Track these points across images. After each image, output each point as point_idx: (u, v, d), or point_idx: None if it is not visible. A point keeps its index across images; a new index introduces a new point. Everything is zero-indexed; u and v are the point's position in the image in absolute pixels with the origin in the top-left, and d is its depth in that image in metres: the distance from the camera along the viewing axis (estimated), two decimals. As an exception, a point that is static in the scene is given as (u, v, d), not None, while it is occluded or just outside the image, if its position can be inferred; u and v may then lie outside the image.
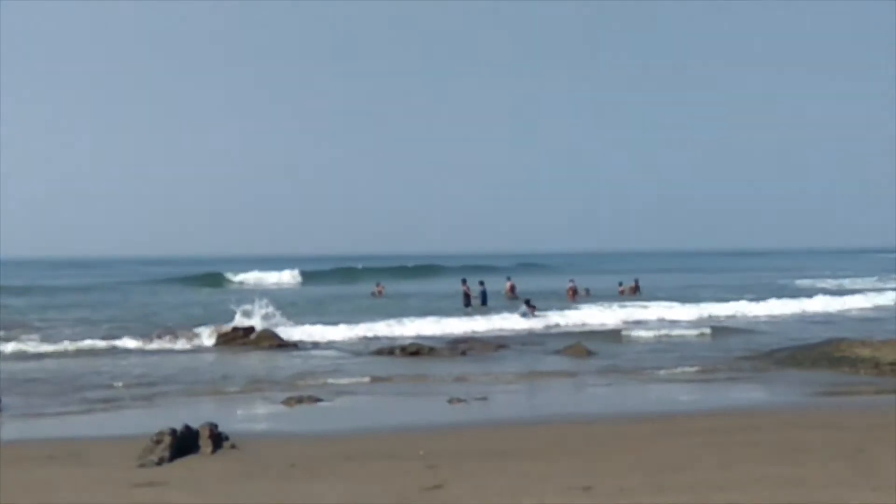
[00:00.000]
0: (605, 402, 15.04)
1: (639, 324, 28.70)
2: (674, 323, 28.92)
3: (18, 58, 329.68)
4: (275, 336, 24.36)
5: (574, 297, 41.18)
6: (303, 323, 26.80)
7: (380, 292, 45.69)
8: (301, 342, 23.72)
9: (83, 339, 23.82)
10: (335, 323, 27.45)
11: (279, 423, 12.83)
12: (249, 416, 13.74)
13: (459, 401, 14.54)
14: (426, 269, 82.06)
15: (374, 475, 9.04)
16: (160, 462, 9.69)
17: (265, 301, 26.53)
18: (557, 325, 28.46)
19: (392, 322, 26.95)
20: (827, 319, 30.86)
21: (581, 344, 21.78)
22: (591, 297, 41.73)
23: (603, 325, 28.59)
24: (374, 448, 10.54)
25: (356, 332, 25.61)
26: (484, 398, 14.83)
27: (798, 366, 18.15)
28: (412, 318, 28.13)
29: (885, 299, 38.50)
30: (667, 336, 24.94)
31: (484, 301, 36.24)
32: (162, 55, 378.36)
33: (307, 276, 69.13)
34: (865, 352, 17.94)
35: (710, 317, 31.02)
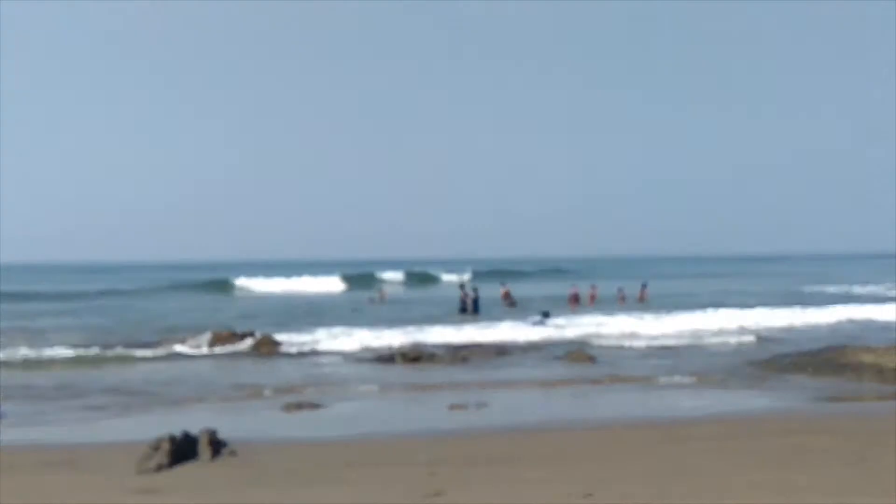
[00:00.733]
0: (607, 408, 14.97)
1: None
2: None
3: (20, 58, 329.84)
4: (274, 341, 24.35)
5: (576, 304, 41.01)
6: (305, 328, 26.77)
7: (381, 297, 45.62)
8: (301, 347, 23.65)
9: (82, 345, 23.81)
10: (337, 329, 27.55)
11: (279, 430, 12.77)
12: (249, 423, 13.67)
13: (460, 407, 14.50)
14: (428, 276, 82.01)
15: (374, 481, 8.99)
16: (159, 469, 9.64)
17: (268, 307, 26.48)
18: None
19: (411, 329, 26.87)
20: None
21: (582, 350, 21.73)
22: (594, 305, 41.59)
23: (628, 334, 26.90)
24: (374, 454, 10.49)
25: (357, 338, 25.57)
26: (485, 404, 14.78)
27: (802, 372, 18.11)
28: (421, 326, 28.04)
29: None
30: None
31: (476, 308, 36.15)
32: (168, 57, 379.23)
33: (346, 280, 69.08)
34: (869, 358, 17.89)
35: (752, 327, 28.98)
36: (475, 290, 37.63)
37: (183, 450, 10.08)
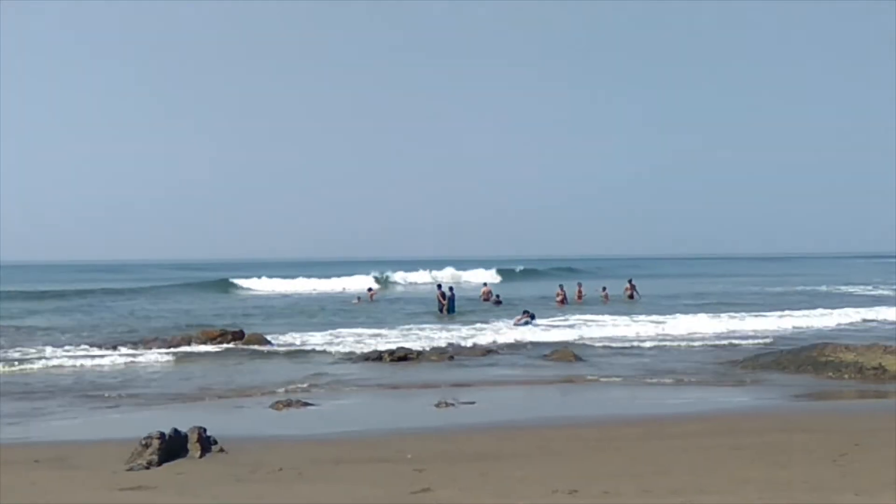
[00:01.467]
0: (591, 406, 15.11)
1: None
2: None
3: (17, 58, 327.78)
4: (264, 340, 24.43)
5: (563, 303, 41.17)
6: (297, 327, 26.84)
7: (371, 297, 45.67)
8: (291, 346, 23.74)
9: (73, 343, 23.87)
10: (327, 328, 27.76)
11: (268, 427, 12.86)
12: (238, 420, 13.77)
13: (447, 404, 14.62)
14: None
15: (362, 478, 9.10)
16: (149, 466, 9.73)
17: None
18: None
19: (397, 328, 26.86)
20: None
21: (568, 349, 21.87)
22: (582, 302, 41.79)
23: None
24: (362, 451, 10.59)
25: (346, 338, 25.73)
26: (471, 402, 14.90)
27: (783, 370, 18.31)
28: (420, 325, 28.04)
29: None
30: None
31: (451, 308, 36.31)
32: (167, 56, 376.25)
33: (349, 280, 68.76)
34: (849, 356, 18.09)
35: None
36: (451, 289, 37.83)
37: (172, 447, 10.17)
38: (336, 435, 12.01)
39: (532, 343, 24.35)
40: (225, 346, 23.68)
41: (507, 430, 12.24)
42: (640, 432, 11.62)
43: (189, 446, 10.36)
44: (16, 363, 20.33)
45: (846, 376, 17.44)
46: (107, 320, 33.64)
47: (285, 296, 55.16)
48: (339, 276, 69.88)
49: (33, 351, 22.47)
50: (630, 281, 46.73)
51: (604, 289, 44.56)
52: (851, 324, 30.42)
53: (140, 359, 21.17)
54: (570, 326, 28.92)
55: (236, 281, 66.76)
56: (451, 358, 21.30)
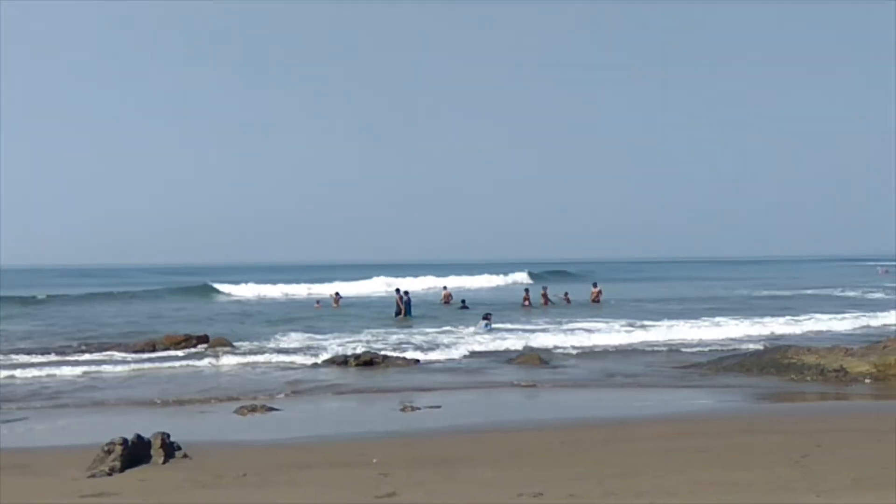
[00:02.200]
0: (557, 409, 15.17)
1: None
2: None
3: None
4: (229, 344, 24.30)
5: (528, 307, 41.28)
6: (266, 332, 26.69)
7: (336, 302, 45.49)
8: (257, 351, 23.61)
9: (37, 349, 23.69)
10: (294, 333, 27.95)
11: (232, 432, 12.79)
12: (202, 426, 13.68)
13: (412, 408, 14.62)
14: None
15: (327, 483, 9.07)
16: (111, 472, 9.64)
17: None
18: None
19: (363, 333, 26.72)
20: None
21: (534, 353, 21.93)
22: (548, 307, 41.90)
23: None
24: (327, 456, 10.56)
25: (312, 342, 25.64)
26: (437, 406, 14.90)
27: (746, 373, 18.46)
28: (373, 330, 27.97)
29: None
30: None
31: (408, 311, 36.36)
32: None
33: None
34: (811, 359, 18.28)
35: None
36: (407, 293, 37.80)
37: (135, 453, 10.08)
38: (301, 440, 11.96)
39: (497, 347, 24.34)
40: (189, 350, 23.51)
41: (473, 433, 12.27)
42: (605, 435, 11.68)
43: (152, 452, 10.27)
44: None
45: (808, 378, 17.62)
46: (75, 325, 33.30)
47: (265, 301, 54.70)
48: (331, 280, 68.93)
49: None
50: (595, 285, 47.05)
51: (565, 293, 44.65)
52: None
53: (103, 365, 20.93)
54: (537, 331, 28.94)
55: (218, 286, 66.22)
56: (417, 362, 21.29)
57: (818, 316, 33.61)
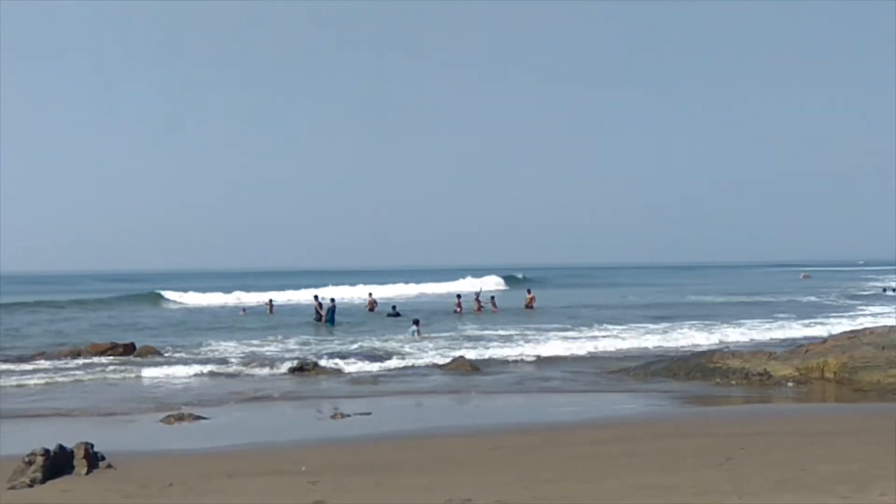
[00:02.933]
0: (488, 415, 15.23)
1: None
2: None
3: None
4: (157, 352, 23.93)
5: (460, 314, 41.30)
6: (198, 339, 26.38)
7: (270, 309, 45.07)
8: (185, 359, 23.27)
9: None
10: (229, 340, 27.75)
11: (158, 442, 12.60)
12: (127, 435, 13.46)
13: (343, 416, 14.55)
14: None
15: (255, 492, 8.98)
16: (32, 484, 9.42)
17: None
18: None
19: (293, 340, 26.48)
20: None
21: (464, 359, 21.97)
22: (480, 314, 41.99)
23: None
24: (255, 465, 10.45)
25: (243, 349, 25.43)
26: (367, 413, 14.85)
27: (674, 377, 18.71)
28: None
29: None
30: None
31: (330, 318, 36.23)
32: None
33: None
34: (736, 363, 18.60)
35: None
36: (332, 300, 37.78)
37: (57, 464, 9.87)
38: (229, 448, 11.83)
39: (429, 353, 24.33)
40: (115, 359, 23.10)
41: (403, 440, 12.25)
42: (535, 440, 11.75)
43: (75, 463, 10.06)
44: None
45: (733, 382, 17.92)
46: (4, 334, 32.39)
47: (210, 309, 53.66)
48: (297, 287, 67.88)
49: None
50: (529, 291, 47.34)
51: (492, 298, 44.75)
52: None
53: (24, 375, 20.45)
54: (467, 338, 29.03)
55: (167, 293, 65.12)
56: (347, 370, 21.19)
57: (746, 321, 34.33)
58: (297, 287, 68.46)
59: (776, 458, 9.94)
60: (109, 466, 10.23)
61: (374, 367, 21.81)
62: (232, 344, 27.08)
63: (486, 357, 23.28)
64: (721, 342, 26.20)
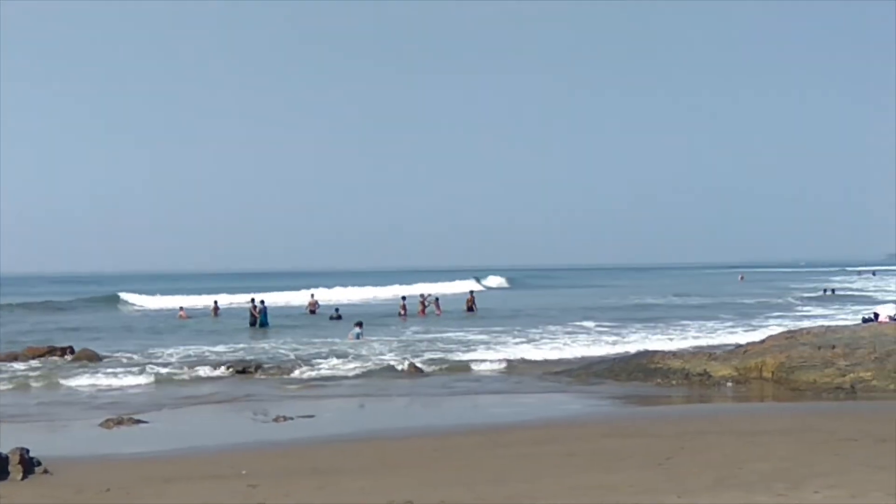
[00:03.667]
0: (430, 417, 15.26)
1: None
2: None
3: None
4: (96, 356, 23.56)
5: (405, 316, 41.21)
6: (141, 343, 26.06)
7: (214, 312, 44.60)
8: (126, 362, 22.96)
9: None
10: (173, 345, 27.54)
11: (96, 446, 12.41)
12: (64, 440, 13.27)
13: (285, 419, 14.46)
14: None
15: (194, 496, 8.89)
16: (-36, 491, 9.23)
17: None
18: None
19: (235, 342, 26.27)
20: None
21: (408, 361, 21.95)
22: (424, 317, 41.98)
23: None
24: (195, 469, 10.36)
25: (187, 352, 25.18)
26: (310, 416, 14.78)
27: (615, 378, 18.85)
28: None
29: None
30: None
31: (263, 321, 36.13)
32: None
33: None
34: (676, 363, 18.82)
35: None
36: (262, 302, 37.59)
37: (-9, 470, 9.69)
38: (168, 452, 11.71)
39: (373, 355, 24.25)
40: (51, 361, 22.75)
41: (346, 443, 12.22)
42: (477, 442, 11.78)
43: (10, 468, 9.87)
44: None
45: (674, 382, 18.12)
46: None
47: (169, 311, 52.75)
48: (270, 289, 66.67)
49: None
50: (471, 293, 47.33)
51: (436, 300, 44.71)
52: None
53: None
54: (411, 341, 29.03)
55: (126, 296, 63.99)
56: (291, 372, 21.06)
57: (688, 322, 34.81)
58: (266, 290, 67.43)
59: (714, 457, 10.08)
60: (46, 472, 10.05)
61: (318, 369, 21.68)
62: (175, 347, 26.75)
63: (429, 359, 23.24)
64: (664, 344, 26.47)
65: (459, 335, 30.29)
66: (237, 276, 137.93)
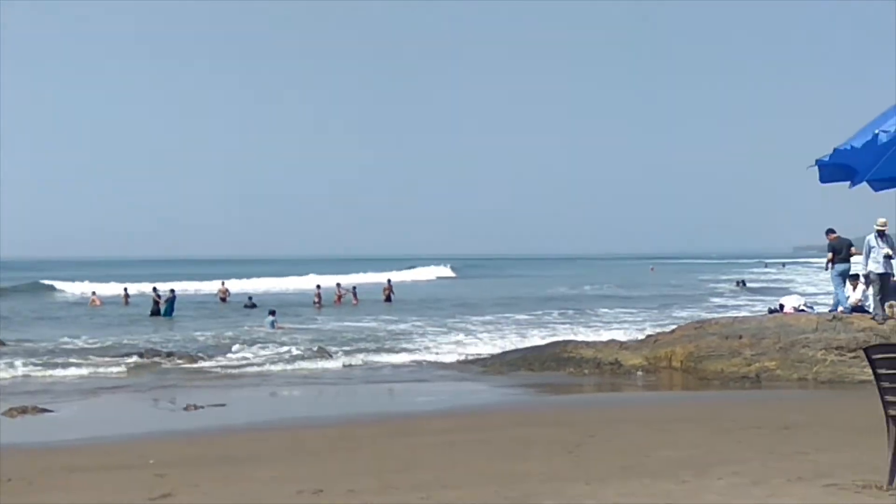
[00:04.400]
0: (341, 406, 15.23)
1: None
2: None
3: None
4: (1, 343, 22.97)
5: (320, 306, 40.94)
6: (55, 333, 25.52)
7: (125, 300, 43.75)
8: (32, 351, 22.39)
9: None
10: (84, 332, 27.23)
11: (-1, 436, 12.08)
12: (-36, 430, 12.87)
13: (196, 407, 14.27)
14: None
15: (99, 487, 8.71)
16: None
17: None
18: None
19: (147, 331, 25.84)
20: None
21: (320, 349, 21.86)
22: (341, 305, 41.83)
23: None
24: (101, 459, 10.17)
25: (95, 340, 24.70)
26: (221, 405, 14.62)
27: (529, 367, 19.00)
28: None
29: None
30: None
31: (169, 310, 35.65)
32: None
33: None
34: (589, 353, 19.04)
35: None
36: (172, 291, 37.17)
37: None
38: (73, 442, 11.48)
39: (285, 344, 24.07)
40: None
41: (256, 431, 12.12)
42: (388, 430, 11.80)
43: None
44: None
45: (586, 371, 18.34)
46: None
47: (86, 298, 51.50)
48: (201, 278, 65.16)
49: None
50: (389, 282, 47.11)
51: (353, 289, 44.55)
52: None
53: None
54: (325, 329, 28.95)
55: (52, 283, 61.93)
56: (202, 360, 20.80)
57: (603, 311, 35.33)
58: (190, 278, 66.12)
59: (622, 445, 10.23)
60: (-58, 462, 9.76)
61: (230, 358, 21.44)
62: (84, 336, 26.20)
63: (342, 349, 23.12)
64: (577, 333, 26.75)
65: (373, 324, 30.30)
66: (177, 263, 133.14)
